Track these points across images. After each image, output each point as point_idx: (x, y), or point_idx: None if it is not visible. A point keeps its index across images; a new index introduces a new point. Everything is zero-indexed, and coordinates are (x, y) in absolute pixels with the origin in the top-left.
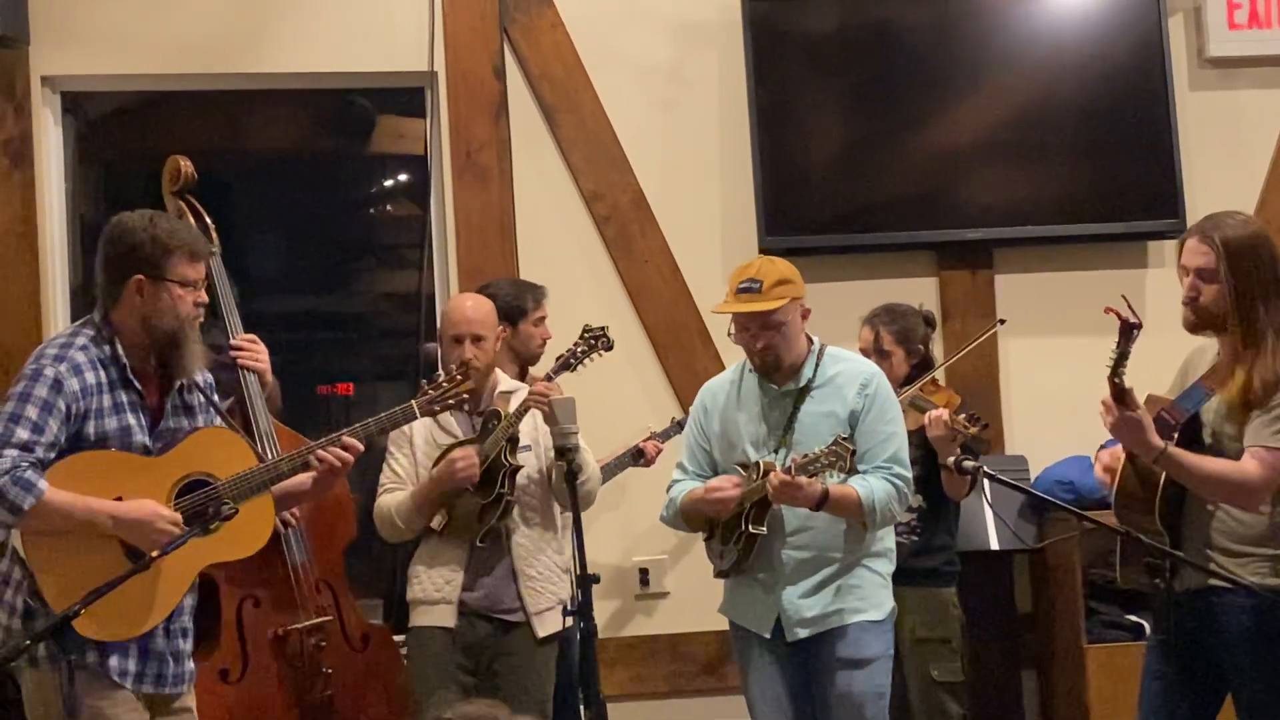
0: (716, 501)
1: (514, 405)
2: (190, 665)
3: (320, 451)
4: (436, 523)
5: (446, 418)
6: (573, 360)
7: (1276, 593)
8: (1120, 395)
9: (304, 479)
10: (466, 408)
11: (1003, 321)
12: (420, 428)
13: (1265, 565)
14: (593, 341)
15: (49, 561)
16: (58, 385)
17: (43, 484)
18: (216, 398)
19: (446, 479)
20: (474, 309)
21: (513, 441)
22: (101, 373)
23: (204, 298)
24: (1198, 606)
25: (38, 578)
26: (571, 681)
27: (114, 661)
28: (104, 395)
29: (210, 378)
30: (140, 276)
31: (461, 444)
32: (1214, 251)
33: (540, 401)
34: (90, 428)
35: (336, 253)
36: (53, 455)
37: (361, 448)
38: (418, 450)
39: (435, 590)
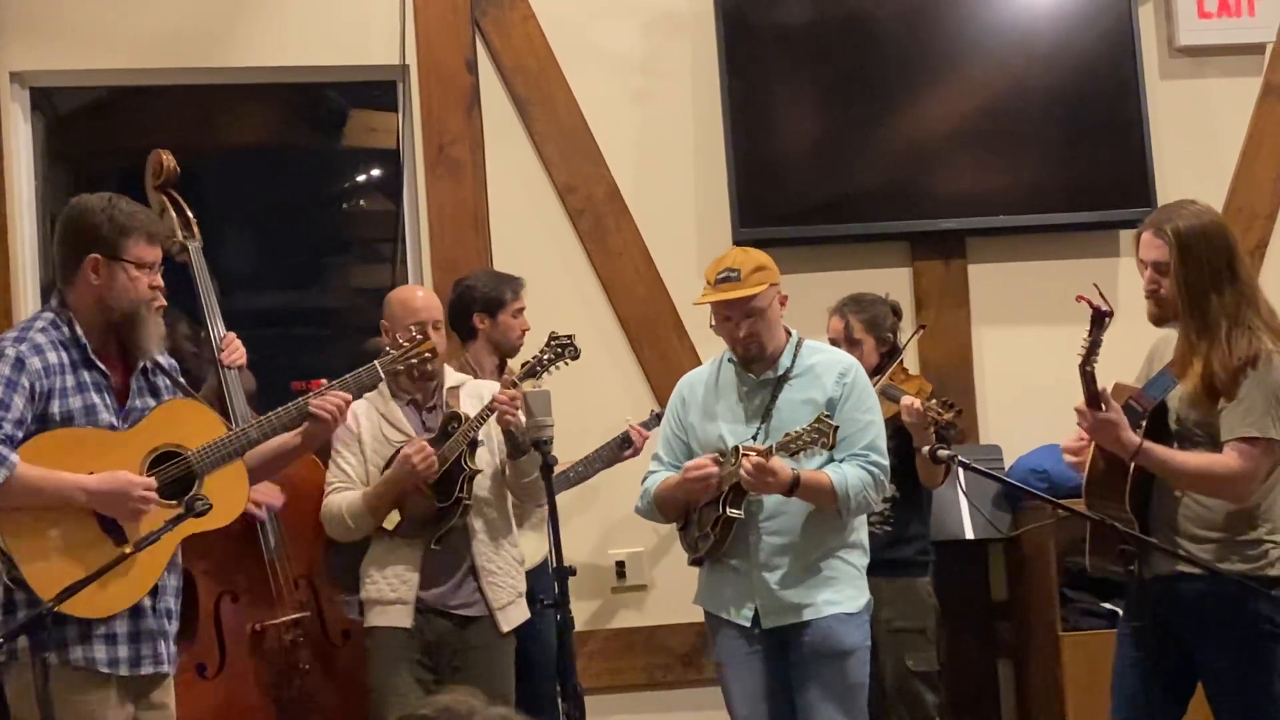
0: (696, 480)
1: (463, 399)
2: (174, 648)
3: (316, 401)
4: (389, 522)
5: (395, 413)
6: (538, 368)
7: (1244, 578)
8: (1094, 399)
9: (290, 438)
10: (418, 399)
11: (923, 327)
12: (368, 424)
13: (1232, 550)
14: (559, 350)
15: (25, 542)
16: (20, 363)
17: (14, 458)
18: (183, 381)
19: (403, 476)
20: (428, 296)
21: (473, 446)
22: (63, 353)
23: (159, 281)
24: (1167, 592)
25: (16, 560)
26: (548, 674)
27: (101, 653)
28: (66, 375)
29: (174, 362)
30: (96, 255)
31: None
32: (1167, 244)
33: (507, 412)
34: (55, 407)
35: (309, 248)
36: (20, 434)
37: (350, 398)
38: (366, 448)
39: (390, 590)
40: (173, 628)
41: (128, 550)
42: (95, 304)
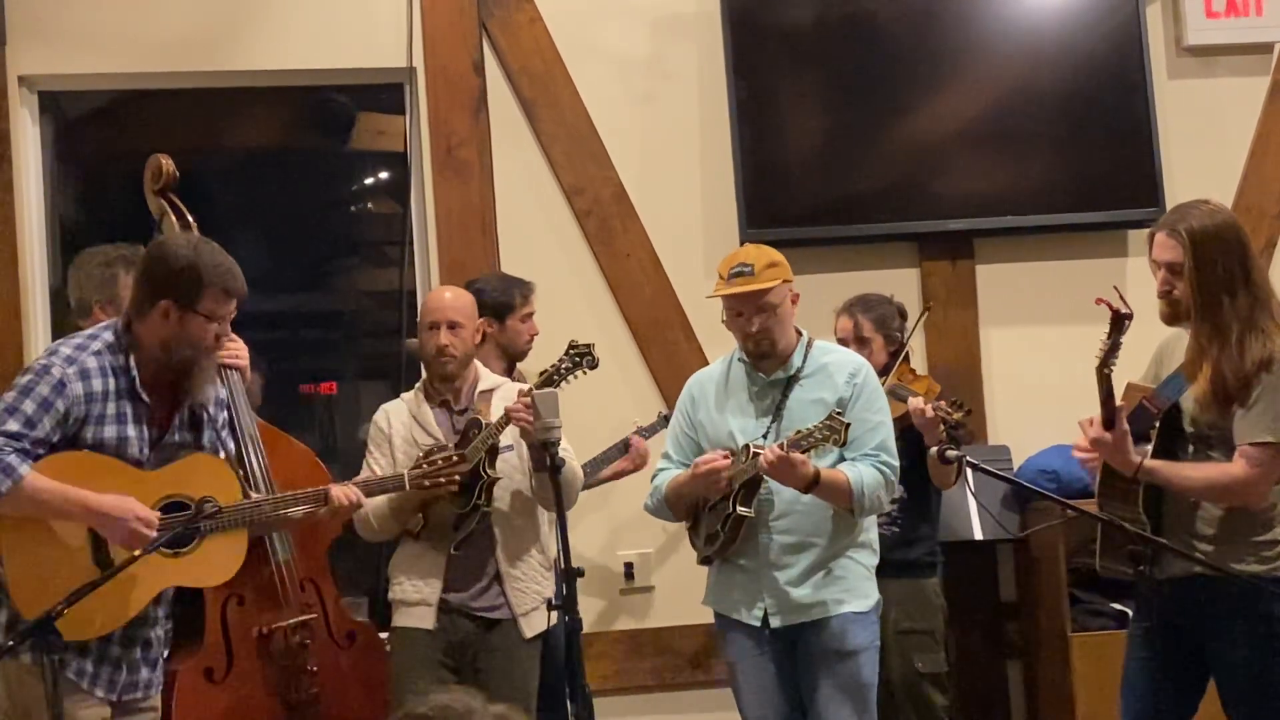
0: (705, 475)
1: (495, 403)
2: (149, 675)
3: (338, 489)
4: (413, 525)
5: (427, 416)
6: (556, 376)
7: (1258, 579)
8: (1109, 416)
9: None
10: (449, 400)
11: (929, 308)
12: (400, 426)
13: (1247, 551)
14: (577, 359)
15: (16, 546)
16: (61, 387)
17: (23, 469)
18: (224, 417)
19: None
20: (453, 298)
21: (492, 453)
22: (110, 380)
23: (227, 331)
24: (1180, 593)
25: (4, 564)
26: (558, 676)
27: (71, 660)
28: (108, 403)
29: (221, 394)
30: (170, 302)
31: (441, 448)
32: (1181, 244)
33: (523, 419)
34: (88, 433)
35: (317, 251)
36: (41, 451)
37: (361, 501)
38: (397, 451)
39: (415, 592)
40: (148, 655)
41: (136, 553)
42: (159, 344)
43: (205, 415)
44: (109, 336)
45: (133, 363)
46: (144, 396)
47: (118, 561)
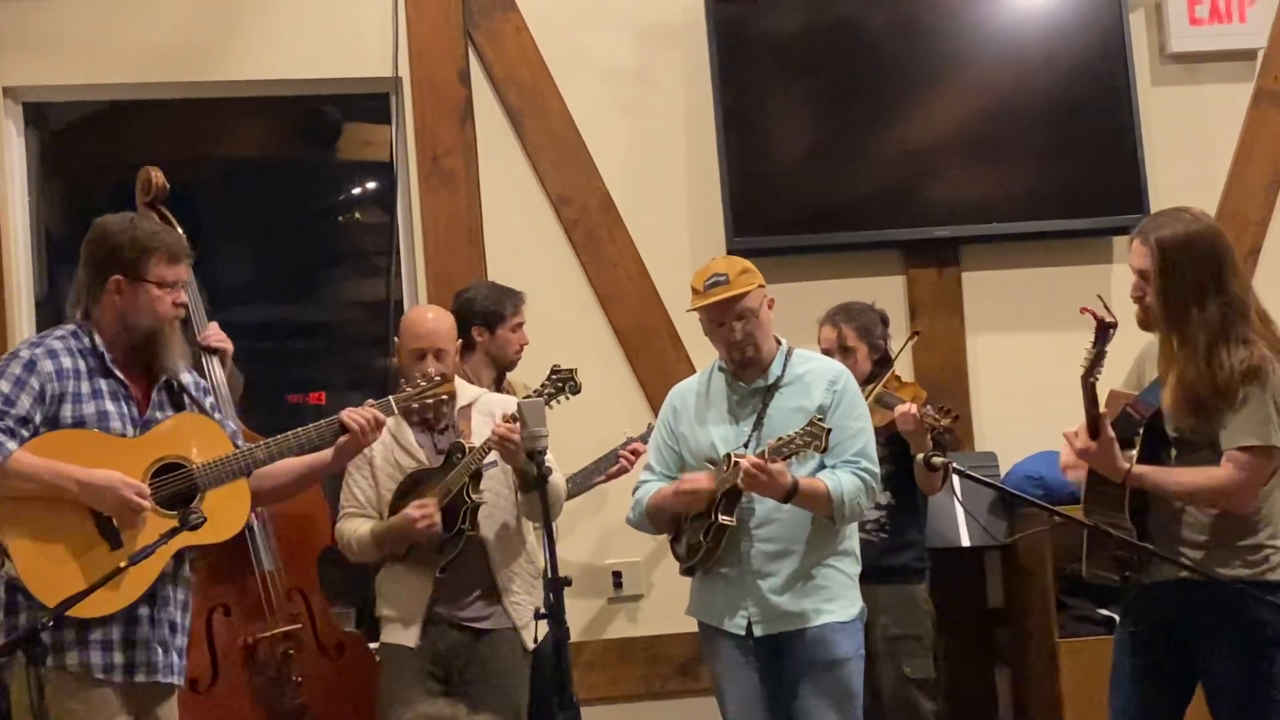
0: (688, 495)
1: (474, 416)
2: (179, 661)
3: (349, 412)
4: (398, 548)
5: (407, 437)
6: None
7: (1245, 583)
8: (1093, 423)
9: (322, 455)
10: (430, 420)
11: (917, 333)
12: (380, 448)
13: (1234, 555)
14: (560, 384)
15: (24, 544)
16: (31, 364)
17: (11, 445)
18: (210, 401)
19: (407, 533)
20: (436, 322)
21: (475, 478)
22: (80, 360)
23: (183, 298)
24: (1167, 599)
25: (14, 564)
26: (547, 685)
27: (97, 659)
28: (82, 381)
29: (202, 381)
30: (119, 277)
31: (425, 472)
32: (1150, 252)
33: (508, 441)
34: (67, 411)
35: (304, 261)
36: (26, 432)
37: (384, 417)
38: (378, 471)
39: (402, 609)
40: (177, 640)
41: (123, 565)
42: (118, 322)
43: (187, 397)
44: (69, 326)
45: (99, 342)
46: (117, 374)
47: (123, 534)
